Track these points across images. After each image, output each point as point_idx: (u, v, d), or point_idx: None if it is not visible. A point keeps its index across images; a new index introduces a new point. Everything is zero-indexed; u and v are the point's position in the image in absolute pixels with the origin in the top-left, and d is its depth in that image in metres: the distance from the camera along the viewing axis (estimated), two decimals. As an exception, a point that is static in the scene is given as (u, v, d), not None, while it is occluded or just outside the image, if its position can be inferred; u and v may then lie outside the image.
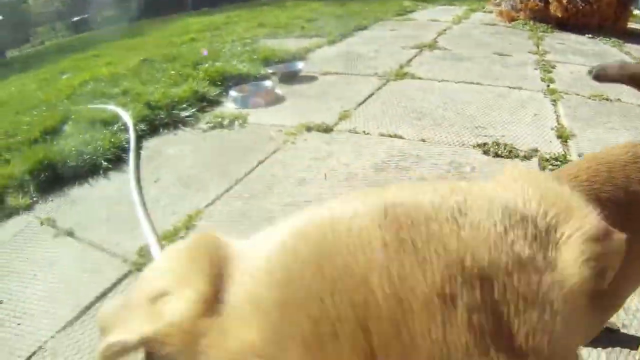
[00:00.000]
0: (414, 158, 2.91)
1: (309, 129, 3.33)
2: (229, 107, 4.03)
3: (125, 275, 2.23)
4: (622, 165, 1.09)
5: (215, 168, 3.06)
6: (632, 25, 9.84)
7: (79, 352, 1.85)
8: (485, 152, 3.07)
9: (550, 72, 5.25)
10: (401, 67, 4.95)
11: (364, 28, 7.33)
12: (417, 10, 9.57)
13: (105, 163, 3.27)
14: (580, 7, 8.10)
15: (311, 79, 4.59)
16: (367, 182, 2.63)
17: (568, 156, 3.09)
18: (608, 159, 1.11)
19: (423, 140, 3.19)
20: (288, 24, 7.58)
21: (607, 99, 4.42)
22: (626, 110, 4.20)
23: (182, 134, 3.66)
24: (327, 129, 3.33)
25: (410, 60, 5.30)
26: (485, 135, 3.31)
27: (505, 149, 3.11)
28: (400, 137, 3.23)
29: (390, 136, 3.23)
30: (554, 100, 4.24)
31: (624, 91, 4.79)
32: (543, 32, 7.90)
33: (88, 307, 2.06)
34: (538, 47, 6.56)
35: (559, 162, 2.94)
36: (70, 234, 2.60)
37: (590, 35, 7.90)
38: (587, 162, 1.11)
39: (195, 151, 3.33)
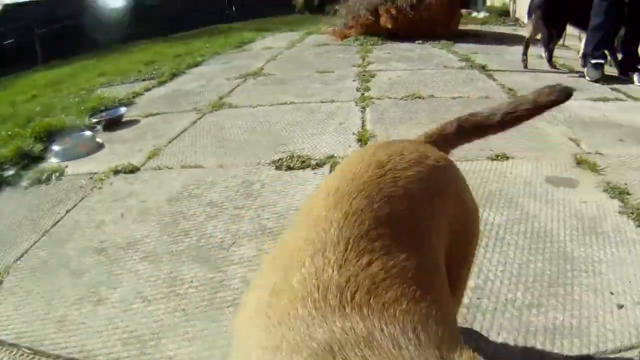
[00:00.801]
0: (208, 184, 3.03)
1: (116, 172, 3.37)
2: (51, 161, 3.99)
3: None
4: (419, 180, 1.02)
5: (28, 223, 3.04)
6: (470, 26, 10.32)
7: None
8: (278, 167, 3.23)
9: (368, 81, 5.47)
10: (220, 98, 5.06)
11: (198, 64, 7.35)
12: (256, 41, 9.68)
13: None
14: (410, 16, 8.36)
15: (133, 122, 4.60)
16: (159, 215, 2.72)
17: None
18: (403, 175, 1.01)
19: (221, 166, 3.31)
20: (127, 70, 7.48)
21: (419, 97, 4.68)
22: (437, 104, 4.48)
23: (3, 194, 3.61)
24: (133, 170, 3.38)
25: (232, 90, 5.42)
26: (284, 152, 3.47)
27: (298, 160, 3.28)
28: (200, 167, 3.34)
29: (191, 167, 3.34)
30: (364, 107, 4.44)
31: (440, 87, 5.09)
32: (373, 44, 8.09)
33: None
34: (364, 60, 6.76)
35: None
36: None
37: (420, 41, 8.13)
38: (381, 185, 0.97)
39: (12, 210, 3.29)
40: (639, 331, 1.79)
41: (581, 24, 5.81)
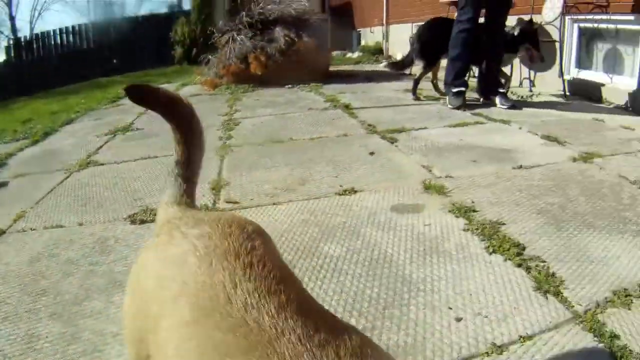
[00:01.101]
0: (66, 243, 3.14)
1: (-18, 237, 3.41)
2: None
3: None
4: (263, 253, 0.95)
5: None
6: (343, 67, 10.60)
7: None
8: (133, 222, 3.36)
9: (232, 129, 5.57)
10: (88, 156, 5.09)
11: (71, 121, 7.25)
12: (132, 94, 9.67)
13: None
14: (279, 62, 8.48)
15: (3, 184, 4.56)
16: (21, 276, 2.82)
17: (217, 203, 3.51)
18: (243, 253, 0.92)
19: (80, 224, 3.43)
20: (4, 129, 7.30)
21: (279, 141, 4.88)
22: (294, 147, 4.64)
23: None
24: (-1, 233, 3.43)
25: (100, 147, 5.46)
26: (140, 205, 3.61)
27: (151, 213, 3.42)
28: (61, 226, 3.43)
29: (53, 227, 3.42)
30: (222, 156, 4.58)
31: (301, 129, 5.22)
32: (243, 92, 8.08)
33: None
34: (231, 108, 6.79)
35: (205, 209, 3.32)
36: None
37: (290, 86, 8.25)
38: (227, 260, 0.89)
39: None
40: (478, 341, 1.83)
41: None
